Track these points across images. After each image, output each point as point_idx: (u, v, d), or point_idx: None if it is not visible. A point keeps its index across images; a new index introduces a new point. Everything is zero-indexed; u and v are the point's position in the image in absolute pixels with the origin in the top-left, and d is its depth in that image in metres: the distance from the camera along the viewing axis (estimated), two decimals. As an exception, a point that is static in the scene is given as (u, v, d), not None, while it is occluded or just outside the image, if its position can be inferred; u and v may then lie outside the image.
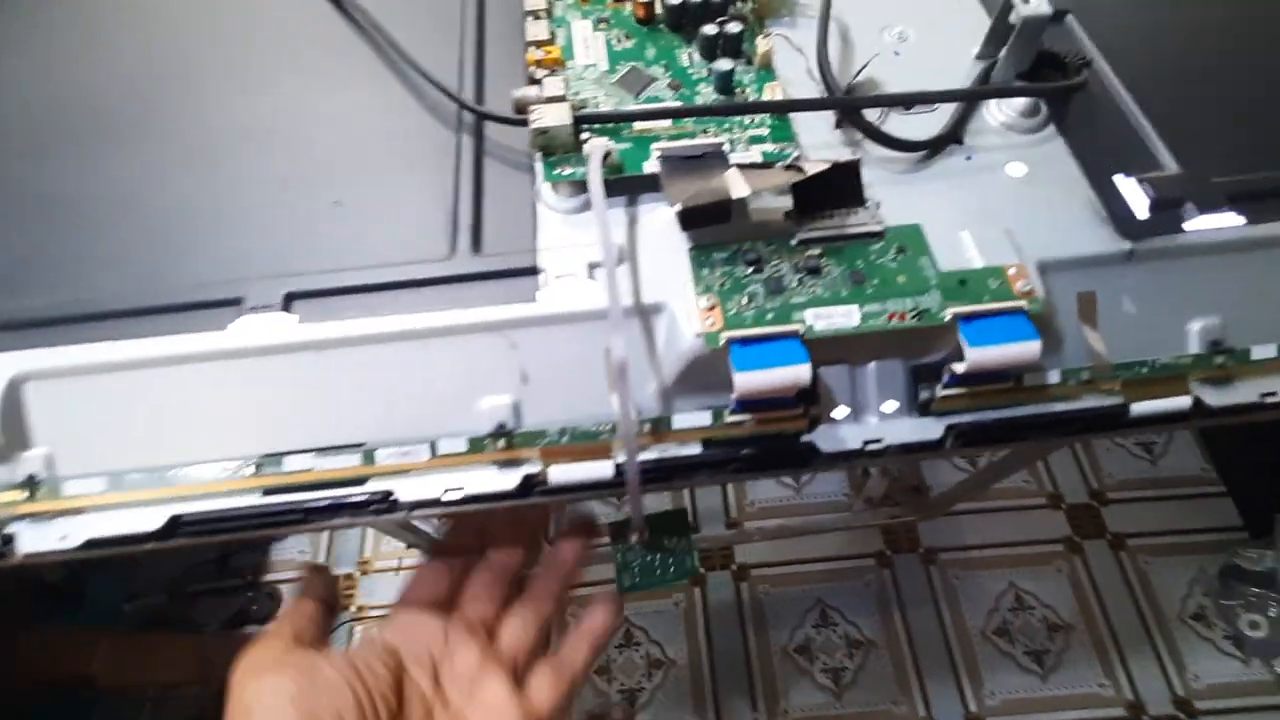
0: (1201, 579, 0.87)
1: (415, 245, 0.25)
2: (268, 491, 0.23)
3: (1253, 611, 0.84)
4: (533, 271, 0.24)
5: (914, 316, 0.23)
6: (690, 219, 0.23)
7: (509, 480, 0.23)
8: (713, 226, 0.24)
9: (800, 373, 0.21)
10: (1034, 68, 0.28)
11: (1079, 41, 0.30)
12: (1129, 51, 0.29)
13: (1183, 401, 0.24)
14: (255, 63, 0.31)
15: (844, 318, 0.23)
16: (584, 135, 0.25)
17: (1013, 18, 0.26)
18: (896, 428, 0.24)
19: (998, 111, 0.28)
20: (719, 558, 0.91)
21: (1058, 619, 0.86)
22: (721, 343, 0.22)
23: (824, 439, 0.24)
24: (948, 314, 0.22)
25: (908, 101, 0.27)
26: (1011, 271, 0.23)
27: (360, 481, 0.23)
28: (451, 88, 0.28)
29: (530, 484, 0.23)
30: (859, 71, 0.28)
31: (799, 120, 0.28)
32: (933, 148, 0.27)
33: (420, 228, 0.25)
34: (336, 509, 0.23)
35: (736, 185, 0.23)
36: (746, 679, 0.85)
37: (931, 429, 0.24)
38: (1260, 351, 0.24)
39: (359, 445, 0.23)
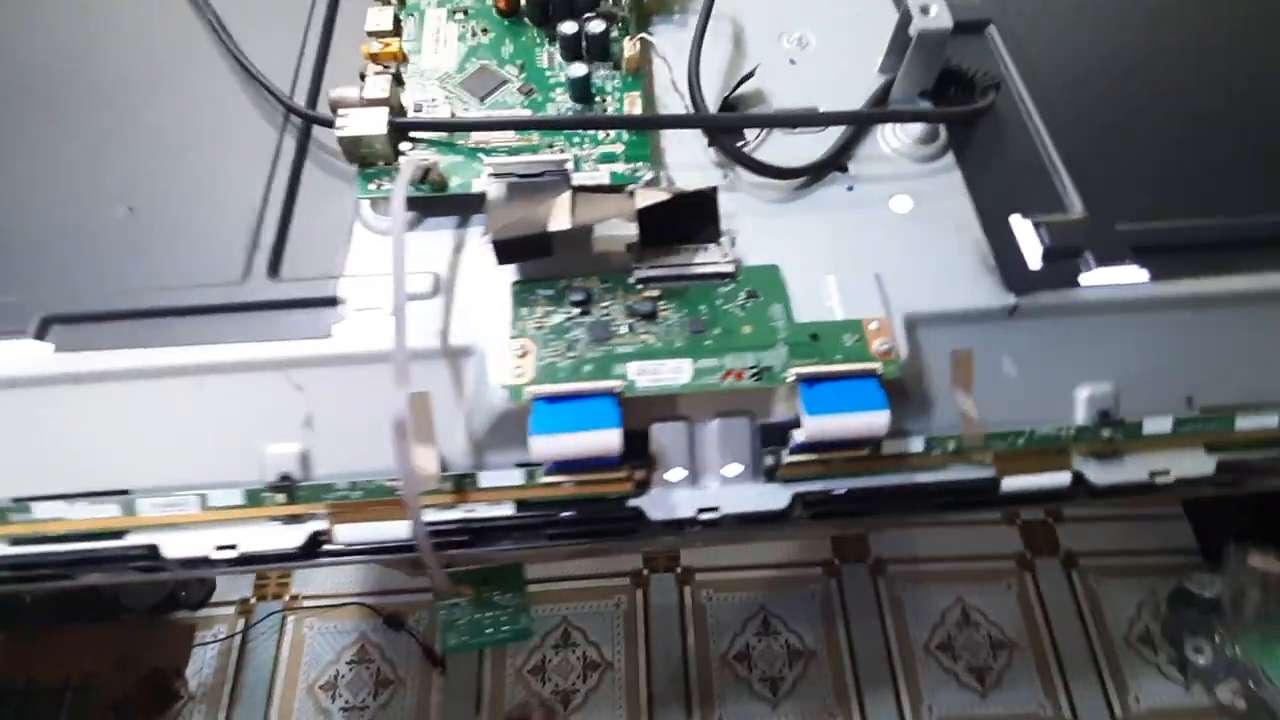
0: (1150, 601, 0.86)
1: (206, 266, 0.22)
2: (15, 541, 0.20)
3: (1198, 637, 0.83)
4: (332, 302, 0.21)
5: (753, 376, 0.20)
6: (506, 252, 0.20)
7: (292, 538, 0.20)
8: (541, 259, 0.21)
9: (607, 439, 0.19)
10: (939, 86, 0.25)
11: (996, 58, 0.27)
12: (1050, 75, 0.26)
13: (1062, 477, 0.22)
14: (64, 34, 0.27)
15: (673, 374, 0.20)
16: (410, 146, 0.22)
17: (911, 29, 0.23)
18: (737, 495, 0.21)
19: (892, 136, 0.25)
20: (664, 560, 0.89)
21: (1003, 636, 0.85)
22: (525, 398, 0.19)
23: (654, 504, 0.21)
24: (790, 375, 0.20)
25: (779, 123, 0.24)
26: (872, 326, 0.21)
27: (120, 534, 0.20)
28: (283, 81, 0.25)
29: (316, 543, 0.21)
30: (738, 84, 0.25)
31: (670, 136, 0.25)
32: (811, 174, 0.24)
33: (216, 244, 0.22)
34: (93, 563, 0.20)
35: (557, 216, 0.20)
36: (683, 685, 0.84)
37: (777, 497, 0.21)
38: (1153, 425, 0.22)
39: (119, 493, 0.20)
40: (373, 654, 0.83)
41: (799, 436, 0.20)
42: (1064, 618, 0.86)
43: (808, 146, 0.25)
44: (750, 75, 0.25)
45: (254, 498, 0.20)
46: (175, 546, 0.20)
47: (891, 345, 0.20)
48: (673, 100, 0.25)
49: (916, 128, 0.24)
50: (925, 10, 0.23)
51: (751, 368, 0.20)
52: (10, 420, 0.20)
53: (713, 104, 0.24)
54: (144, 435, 0.20)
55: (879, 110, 0.24)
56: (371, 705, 0.82)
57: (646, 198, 0.20)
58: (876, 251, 0.22)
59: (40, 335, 0.20)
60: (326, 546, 0.21)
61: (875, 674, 0.83)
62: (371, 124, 0.21)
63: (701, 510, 0.21)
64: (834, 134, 0.25)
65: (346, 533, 0.20)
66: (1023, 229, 0.23)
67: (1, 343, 0.20)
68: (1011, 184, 0.24)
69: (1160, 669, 0.83)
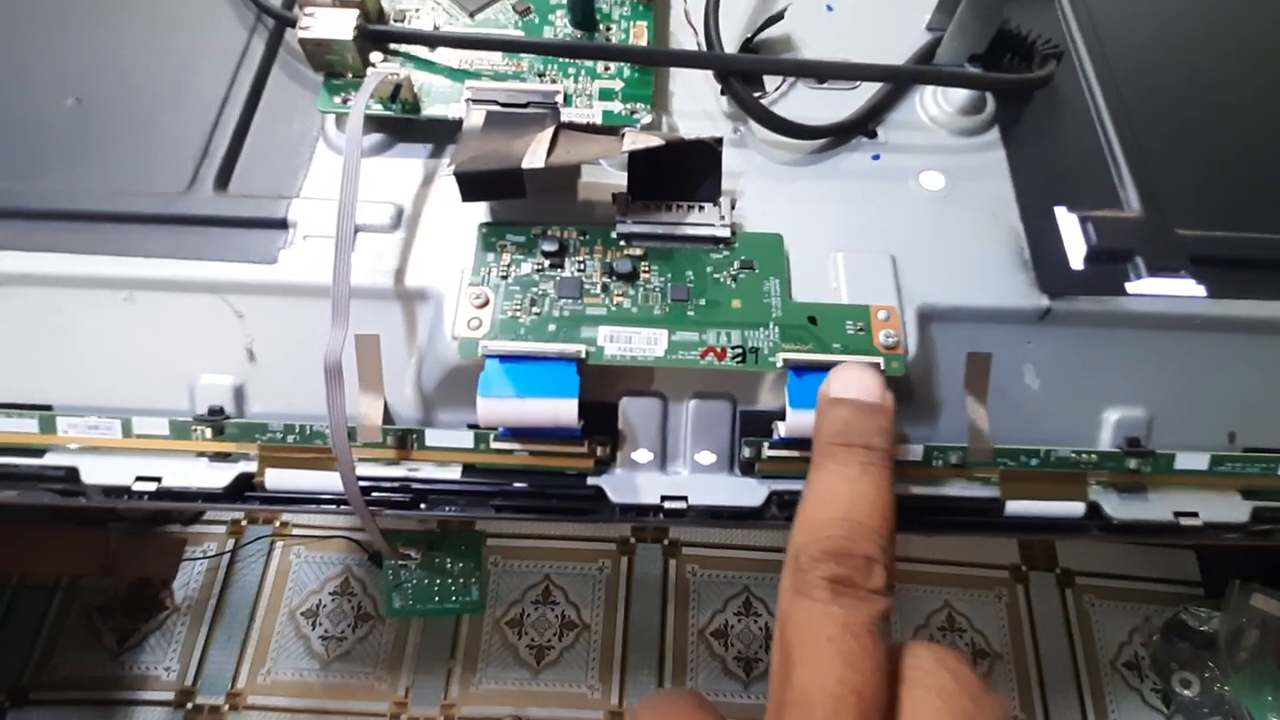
0: (1144, 628, 0.84)
1: (150, 170, 0.20)
2: (-73, 447, 0.19)
3: (1187, 670, 0.81)
4: (282, 225, 0.19)
5: (736, 357, 0.17)
6: (472, 187, 0.18)
7: (218, 477, 0.19)
8: (515, 200, 0.18)
9: (562, 410, 0.16)
10: (993, 51, 0.22)
11: (1061, 26, 0.23)
12: (1121, 52, 0.23)
13: (1074, 507, 0.19)
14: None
15: (646, 344, 0.18)
16: (383, 58, 0.20)
17: (968, -21, 0.20)
18: (709, 485, 0.19)
19: (931, 102, 0.22)
20: (652, 531, 0.89)
21: (986, 646, 0.84)
22: (479, 354, 0.17)
23: (616, 486, 0.19)
24: (778, 360, 0.17)
25: (802, 73, 0.21)
26: (881, 315, 0.18)
27: (39, 452, 0.19)
28: (262, -27, 0.22)
29: (243, 486, 0.19)
30: (763, 25, 0.22)
31: (679, 78, 0.22)
32: (834, 136, 0.21)
33: (164, 149, 0.20)
34: (8, 479, 0.19)
35: (534, 154, 0.17)
36: (658, 654, 0.84)
37: (752, 493, 0.19)
38: (1186, 460, 0.19)
39: (41, 408, 0.19)
40: (355, 588, 0.84)
41: (782, 430, 0.17)
42: (1051, 634, 0.84)
43: (834, 105, 0.22)
44: (779, 17, 0.22)
45: (180, 430, 0.19)
46: (96, 472, 0.19)
47: (899, 339, 0.18)
48: (687, 37, 0.22)
49: (960, 95, 0.21)
50: (989, -44, 0.20)
51: (736, 347, 0.18)
52: (-75, 318, 0.19)
53: (732, 46, 0.22)
54: (69, 350, 0.19)
55: (920, 68, 0.21)
56: (350, 637, 0.83)
57: (638, 141, 0.18)
58: (896, 231, 0.20)
59: (-39, 229, 0.19)
60: (254, 492, 0.19)
61: (851, 667, 0.82)
62: (337, 27, 0.19)
63: (667, 498, 0.19)
64: (865, 93, 0.22)
65: (277, 478, 0.19)
66: (1068, 223, 0.20)
67: (-81, 234, 0.18)
68: (1062, 170, 0.21)
69: (1144, 697, 0.81)
